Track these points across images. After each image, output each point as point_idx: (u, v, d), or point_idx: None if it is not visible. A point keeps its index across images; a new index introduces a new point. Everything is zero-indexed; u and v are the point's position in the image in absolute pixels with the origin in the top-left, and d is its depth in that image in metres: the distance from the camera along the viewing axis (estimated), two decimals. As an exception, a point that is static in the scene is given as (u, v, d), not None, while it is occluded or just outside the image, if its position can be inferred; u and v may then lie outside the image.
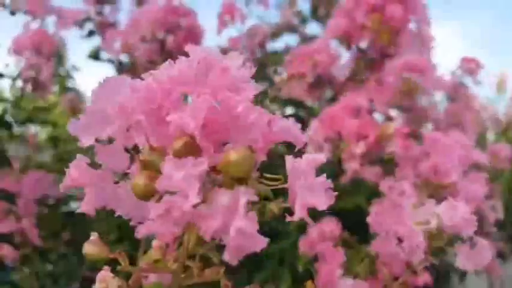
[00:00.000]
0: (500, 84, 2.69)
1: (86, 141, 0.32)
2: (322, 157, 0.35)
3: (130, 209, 0.36)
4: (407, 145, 0.92)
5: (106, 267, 0.36)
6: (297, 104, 1.07)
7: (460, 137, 0.91)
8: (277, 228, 1.10)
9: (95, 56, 1.33)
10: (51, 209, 1.16)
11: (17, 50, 1.23)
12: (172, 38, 0.94)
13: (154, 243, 0.49)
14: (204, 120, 0.33)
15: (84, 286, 1.11)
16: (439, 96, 1.72)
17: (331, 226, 0.90)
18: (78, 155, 0.34)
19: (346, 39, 1.00)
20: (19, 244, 1.00)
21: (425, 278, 0.77)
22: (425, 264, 0.67)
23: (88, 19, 1.33)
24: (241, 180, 0.33)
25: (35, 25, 1.31)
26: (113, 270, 0.39)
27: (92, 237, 0.39)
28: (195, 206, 0.29)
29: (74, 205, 1.23)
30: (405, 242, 0.57)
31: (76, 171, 0.34)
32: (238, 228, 0.29)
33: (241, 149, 0.32)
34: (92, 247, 0.38)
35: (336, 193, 0.34)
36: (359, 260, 0.82)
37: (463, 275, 1.66)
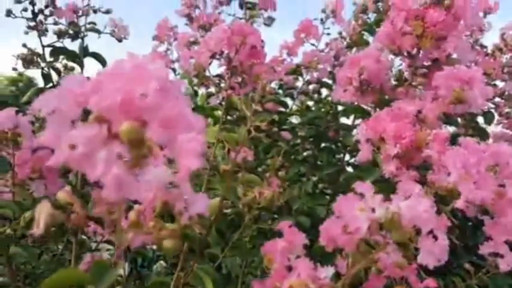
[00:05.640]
0: None
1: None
2: (167, 175, 0.47)
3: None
4: (443, 150, 0.92)
5: (45, 201, 0.54)
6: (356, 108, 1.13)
7: (503, 147, 0.87)
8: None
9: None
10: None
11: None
12: (236, 55, 1.10)
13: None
14: (118, 103, 0.49)
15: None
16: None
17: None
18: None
19: (393, 46, 1.03)
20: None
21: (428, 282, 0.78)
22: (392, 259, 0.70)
23: (195, 42, 1.59)
24: (133, 144, 0.49)
25: (161, 48, 1.65)
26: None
27: (66, 188, 0.58)
28: (84, 156, 0.46)
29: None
30: (349, 226, 0.63)
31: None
32: (113, 174, 0.45)
33: (129, 123, 0.48)
34: (63, 195, 0.57)
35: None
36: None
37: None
